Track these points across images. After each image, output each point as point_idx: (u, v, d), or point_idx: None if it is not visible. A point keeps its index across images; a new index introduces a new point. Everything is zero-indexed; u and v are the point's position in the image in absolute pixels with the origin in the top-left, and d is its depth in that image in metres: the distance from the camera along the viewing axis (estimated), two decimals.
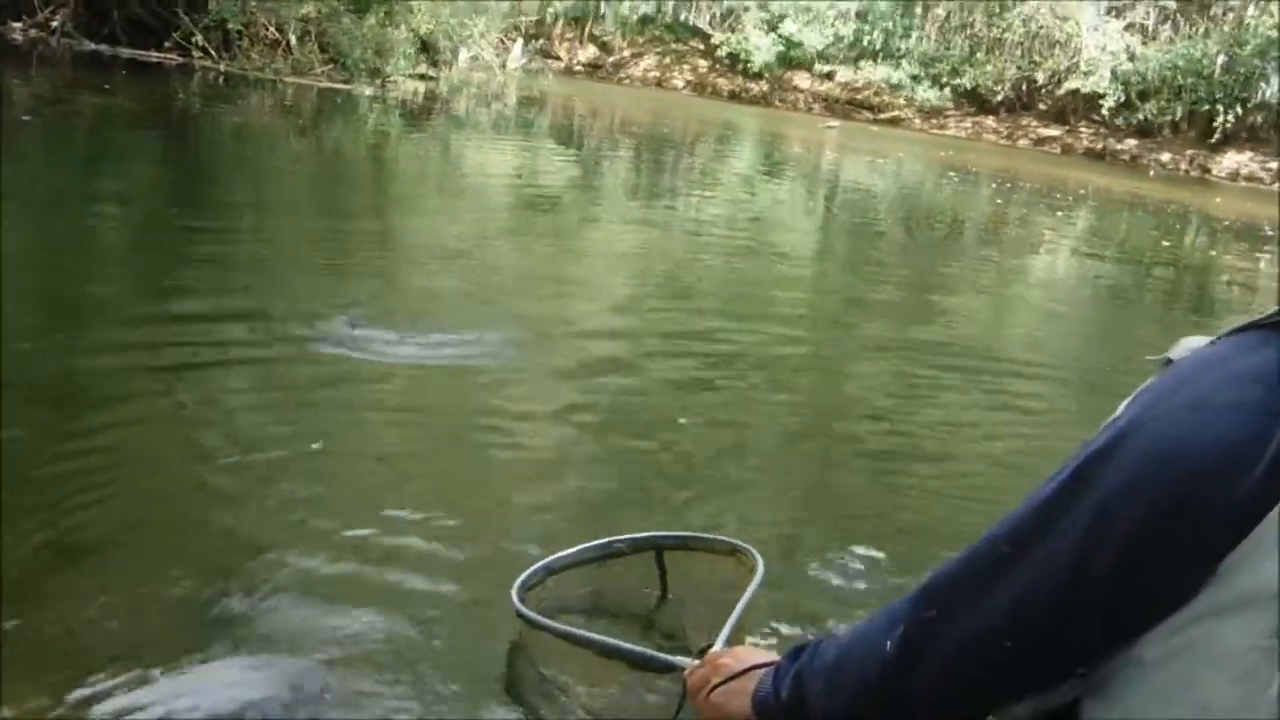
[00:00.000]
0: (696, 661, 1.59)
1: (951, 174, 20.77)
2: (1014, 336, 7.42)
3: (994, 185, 19.26)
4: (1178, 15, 35.68)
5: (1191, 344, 0.95)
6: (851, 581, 2.92)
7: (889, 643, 1.02)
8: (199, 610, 2.42)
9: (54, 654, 2.20)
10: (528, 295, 6.11)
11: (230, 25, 16.53)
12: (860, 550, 3.10)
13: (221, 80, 15.68)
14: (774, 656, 1.33)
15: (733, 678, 1.36)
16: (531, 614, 2.28)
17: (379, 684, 2.20)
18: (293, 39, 17.29)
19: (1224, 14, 35.40)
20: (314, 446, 3.41)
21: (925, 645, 1.00)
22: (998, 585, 0.94)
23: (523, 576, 2.40)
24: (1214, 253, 14.28)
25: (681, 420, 4.24)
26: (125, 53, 16.04)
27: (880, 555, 3.11)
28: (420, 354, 4.58)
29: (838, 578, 2.92)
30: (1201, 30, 34.91)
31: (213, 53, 16.55)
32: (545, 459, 3.68)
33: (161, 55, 16.26)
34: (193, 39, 16.37)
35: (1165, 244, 14.09)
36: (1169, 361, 0.94)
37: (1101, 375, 6.22)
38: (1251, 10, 34.41)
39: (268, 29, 17.06)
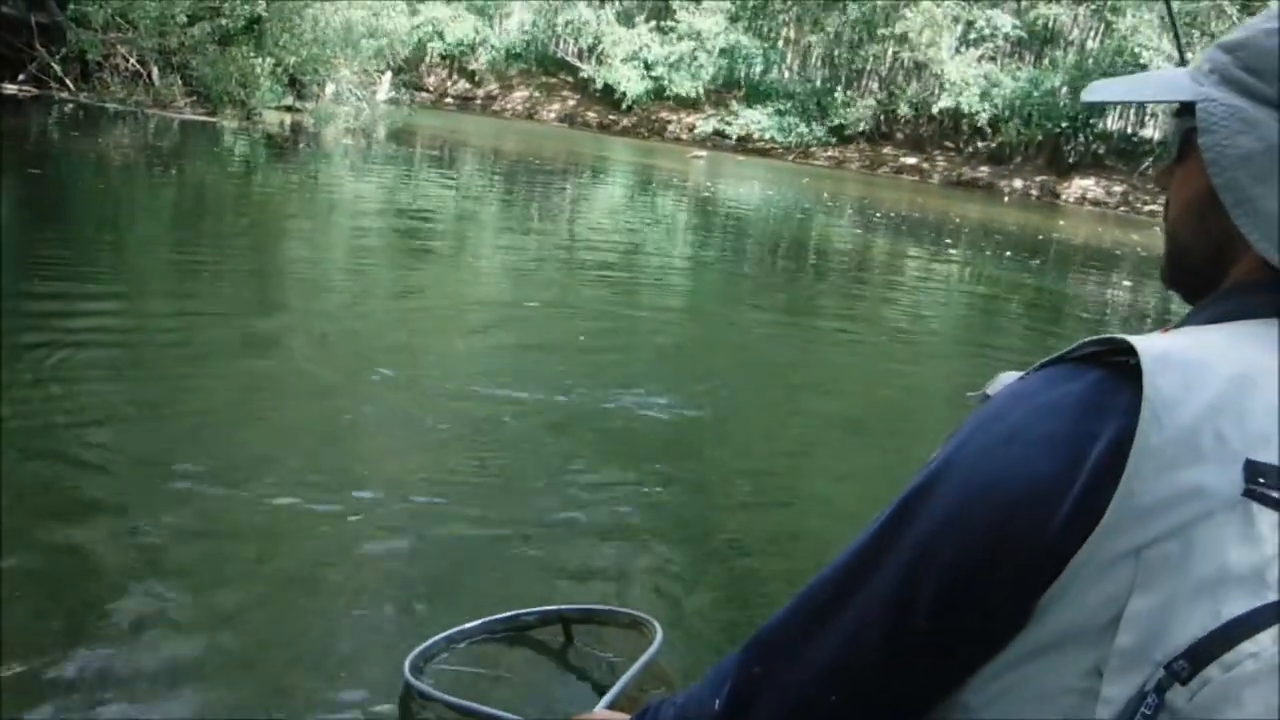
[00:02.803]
0: None
1: (817, 202, 21.29)
2: (886, 372, 7.67)
3: (857, 213, 19.83)
4: (1024, 46, 37.39)
5: (1007, 379, 0.94)
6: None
7: (717, 701, 1.01)
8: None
9: None
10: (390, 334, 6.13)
11: (89, 56, 16.24)
12: (754, 612, 3.09)
13: (81, 112, 15.36)
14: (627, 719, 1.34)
15: None
16: (419, 684, 2.33)
17: None
18: (154, 71, 17.05)
19: (1069, 45, 37.24)
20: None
21: (752, 701, 0.98)
22: (820, 635, 0.93)
23: (420, 647, 2.45)
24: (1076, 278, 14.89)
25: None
26: None
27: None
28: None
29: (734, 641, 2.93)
30: (1048, 61, 36.64)
31: (70, 85, 16.23)
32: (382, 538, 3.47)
33: (17, 87, 15.87)
34: (50, 70, 16.04)
35: (1028, 279, 14.54)
36: (986, 397, 0.94)
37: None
38: (1091, 42, 36.27)
39: (128, 60, 16.79)
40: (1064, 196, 33.34)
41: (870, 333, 8.47)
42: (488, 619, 2.62)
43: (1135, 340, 0.84)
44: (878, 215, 19.74)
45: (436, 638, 2.50)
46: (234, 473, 3.54)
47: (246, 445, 3.89)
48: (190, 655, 2.48)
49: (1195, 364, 0.82)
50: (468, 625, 2.58)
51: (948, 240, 17.33)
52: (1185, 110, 0.96)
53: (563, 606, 2.70)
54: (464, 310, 6.93)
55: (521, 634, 2.64)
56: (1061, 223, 24.13)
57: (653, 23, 40.05)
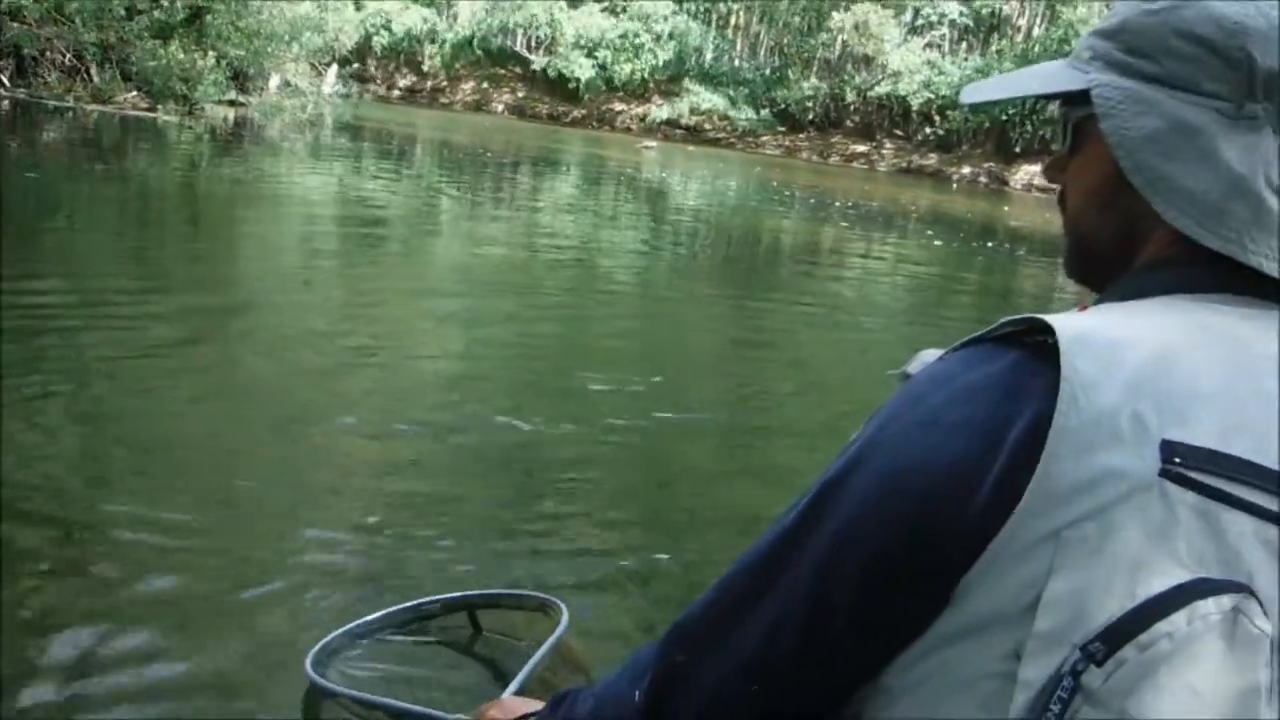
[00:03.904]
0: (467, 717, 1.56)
1: (769, 191, 21.36)
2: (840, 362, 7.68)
3: (810, 202, 19.91)
4: (970, 34, 37.68)
5: (928, 357, 0.94)
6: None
7: (638, 692, 1.00)
8: None
9: None
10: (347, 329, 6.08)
11: (25, 51, 15.90)
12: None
13: (17, 109, 15.04)
14: (540, 706, 1.29)
15: None
16: (322, 681, 2.27)
17: None
18: (93, 65, 16.73)
19: (1014, 32, 37.55)
20: None
21: (674, 691, 0.97)
22: (740, 624, 0.92)
23: (322, 642, 2.38)
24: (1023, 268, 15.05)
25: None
26: None
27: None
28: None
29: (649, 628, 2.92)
30: (995, 48, 36.93)
31: (5, 80, 15.89)
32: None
33: None
34: None
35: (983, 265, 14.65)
36: (907, 376, 0.94)
37: None
38: (1038, 29, 36.60)
39: (65, 55, 16.46)
40: (1011, 183, 33.64)
41: (824, 312, 8.51)
42: (389, 610, 2.56)
43: (1053, 320, 0.83)
44: (833, 203, 19.80)
45: (337, 632, 2.44)
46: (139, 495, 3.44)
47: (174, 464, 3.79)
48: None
49: (1114, 344, 0.82)
50: (369, 617, 2.53)
51: (897, 227, 17.43)
52: (1072, 100, 0.97)
53: (468, 593, 2.65)
54: (414, 312, 6.83)
55: (426, 623, 2.58)
56: (1007, 209, 24.36)
57: (603, 3, 39.94)
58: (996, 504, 0.79)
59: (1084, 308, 0.92)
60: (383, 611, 2.55)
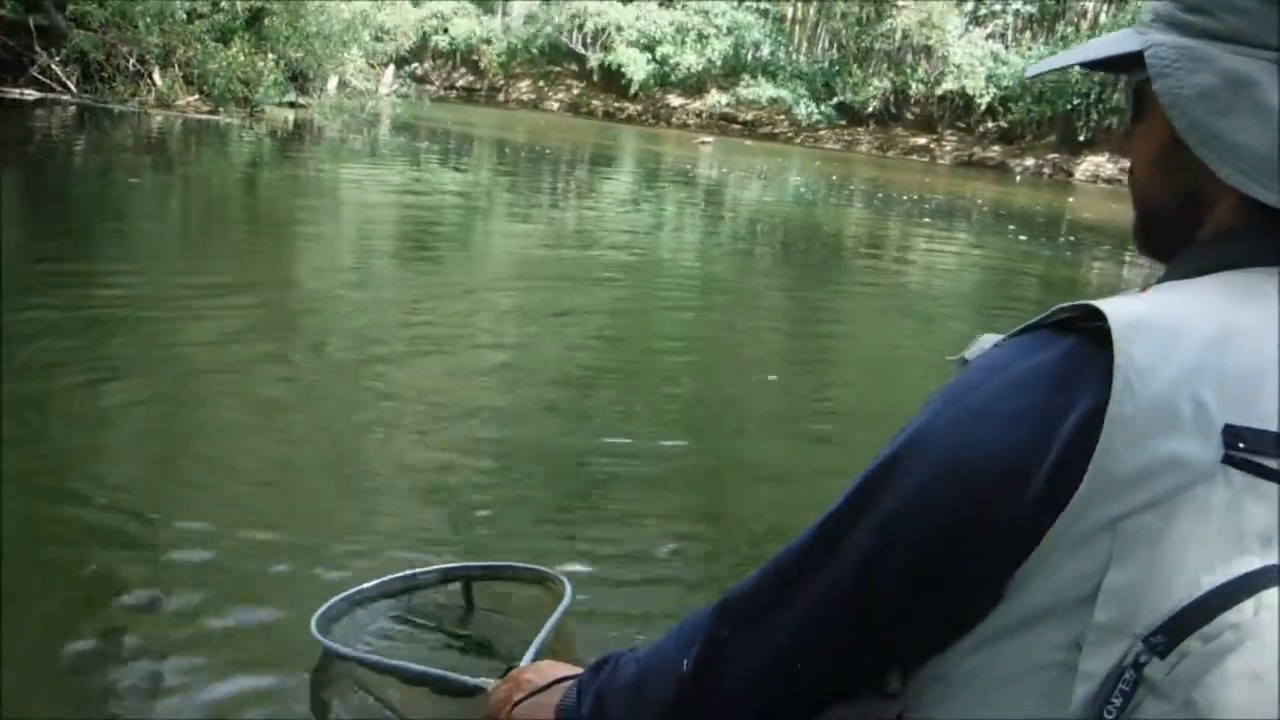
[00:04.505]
0: (499, 682, 1.53)
1: (829, 186, 21.18)
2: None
3: (875, 197, 19.71)
4: (1035, 22, 37.06)
5: (986, 342, 0.93)
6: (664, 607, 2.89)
7: (686, 661, 1.00)
8: None
9: None
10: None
11: (90, 57, 16.13)
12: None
13: (84, 114, 15.27)
14: (577, 670, 1.30)
15: (536, 692, 1.32)
16: (334, 645, 2.26)
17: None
18: (155, 69, 16.94)
19: (1079, 19, 36.87)
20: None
21: (722, 664, 0.98)
22: (787, 604, 0.93)
23: (323, 608, 2.38)
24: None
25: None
26: None
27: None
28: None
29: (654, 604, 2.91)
30: (1059, 36, 36.29)
31: (72, 86, 16.14)
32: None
33: (19, 90, 15.79)
34: (50, 72, 15.94)
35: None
36: (965, 361, 0.93)
37: None
38: (1105, 16, 35.91)
39: (128, 60, 16.68)
40: (1076, 174, 33.05)
41: (888, 300, 8.38)
42: (385, 579, 2.56)
43: (1105, 305, 0.82)
44: (896, 197, 19.57)
45: (336, 599, 2.44)
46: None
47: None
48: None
49: (1171, 327, 0.81)
50: (366, 585, 2.52)
51: (961, 220, 17.18)
52: (1132, 65, 0.95)
53: (467, 564, 2.65)
54: (475, 305, 6.80)
55: (421, 592, 2.58)
56: (1072, 200, 23.93)
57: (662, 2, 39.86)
58: (1050, 496, 0.79)
59: (1145, 289, 0.91)
60: (378, 580, 2.55)
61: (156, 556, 2.84)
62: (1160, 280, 0.93)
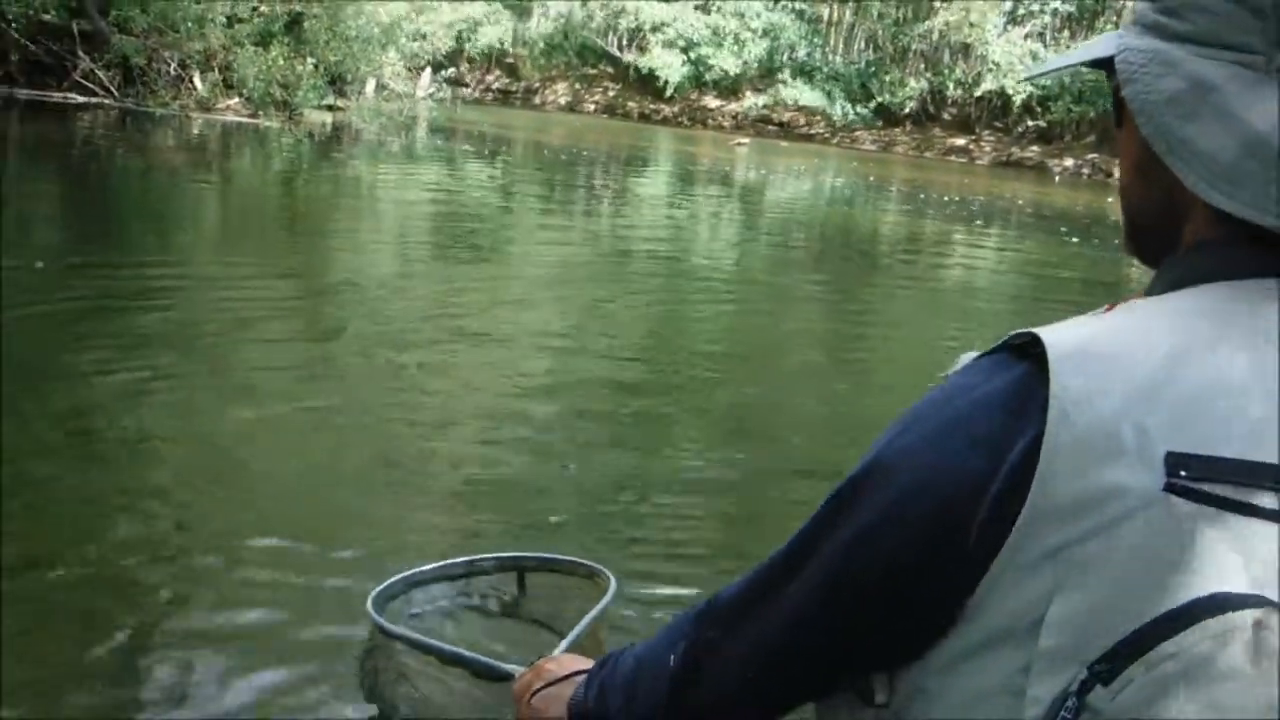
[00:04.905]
0: (526, 670, 1.57)
1: (866, 187, 21.08)
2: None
3: (917, 198, 19.58)
4: (1074, 21, 36.75)
5: (969, 360, 0.93)
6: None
7: (673, 657, 1.05)
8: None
9: None
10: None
11: (132, 61, 16.29)
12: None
13: (126, 117, 15.42)
14: (590, 664, 1.32)
15: (554, 683, 1.36)
16: (384, 622, 2.34)
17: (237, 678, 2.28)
18: (196, 74, 17.09)
19: (1118, 16, 36.53)
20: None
21: (703, 663, 1.02)
22: (763, 612, 0.96)
23: (381, 586, 2.45)
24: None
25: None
26: (23, 93, 15.74)
27: None
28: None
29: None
30: (1099, 34, 35.88)
31: (114, 90, 16.30)
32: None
33: (63, 94, 15.97)
34: (93, 76, 16.11)
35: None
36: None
37: None
38: None
39: (169, 64, 16.84)
40: (1116, 175, 32.66)
41: (929, 302, 8.31)
42: (444, 563, 2.65)
43: (1049, 332, 0.83)
44: (936, 198, 19.45)
45: (395, 579, 2.52)
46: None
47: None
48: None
49: (1114, 353, 0.81)
50: (425, 567, 2.61)
51: (1000, 220, 17.06)
52: (1112, 69, 0.93)
53: (521, 554, 2.72)
54: (514, 306, 6.80)
55: (478, 579, 2.66)
56: (1111, 200, 23.68)
57: (696, 3, 39.75)
58: (996, 521, 0.79)
59: (1111, 307, 0.89)
60: (439, 563, 2.64)
61: (192, 555, 2.85)
62: (1148, 290, 0.92)
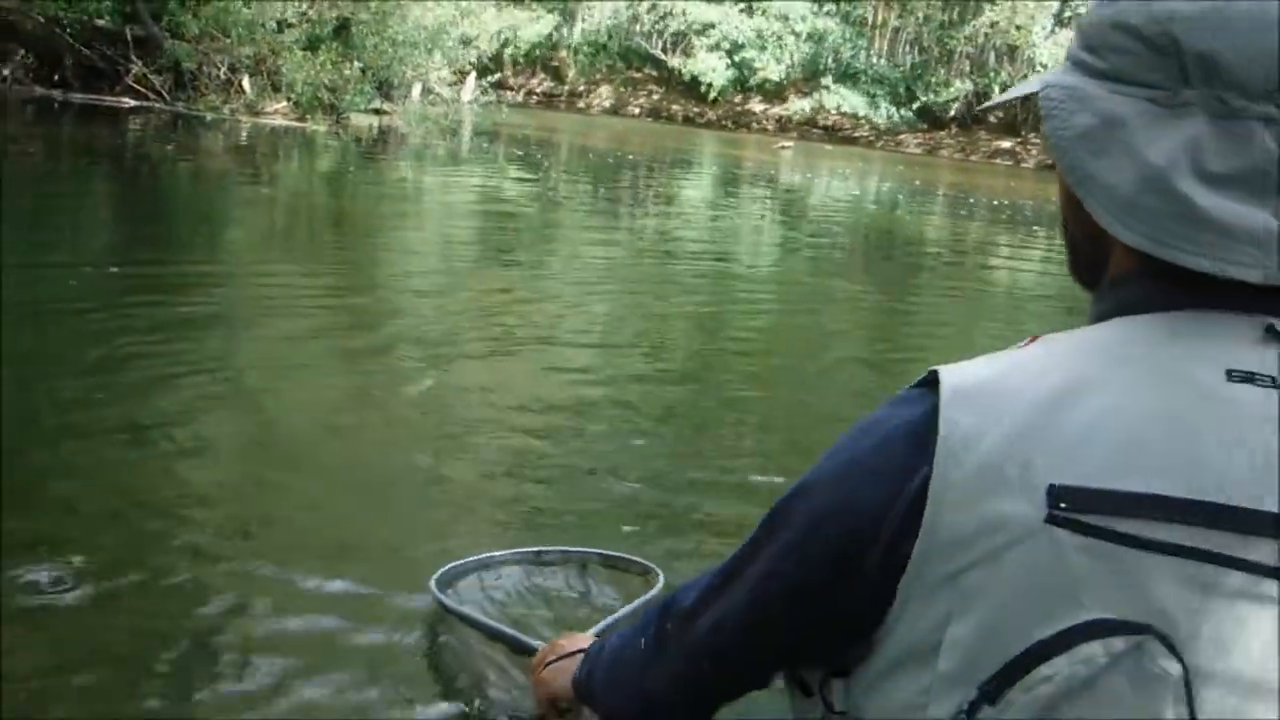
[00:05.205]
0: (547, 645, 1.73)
1: (912, 191, 20.95)
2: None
3: (969, 200, 19.44)
4: None
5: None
6: None
7: (643, 642, 1.17)
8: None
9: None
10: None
11: (184, 65, 16.49)
12: None
13: (177, 121, 15.61)
14: None
15: (564, 657, 1.48)
16: (439, 594, 2.48)
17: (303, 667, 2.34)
18: (246, 78, 17.26)
19: None
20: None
21: (661, 650, 1.13)
22: (705, 612, 1.06)
23: (449, 566, 2.60)
24: None
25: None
26: (77, 98, 15.98)
27: None
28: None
29: None
30: None
31: (166, 95, 16.51)
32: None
33: (115, 99, 16.20)
34: (146, 81, 16.33)
35: None
36: None
37: None
38: None
39: (220, 69, 17.02)
40: None
41: (975, 308, 8.23)
42: (513, 550, 2.77)
43: (946, 371, 0.87)
44: (984, 201, 19.30)
45: (464, 560, 2.65)
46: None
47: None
48: None
49: (1005, 390, 0.84)
50: (495, 553, 2.74)
51: (1048, 222, 16.89)
52: None
53: (584, 549, 2.83)
54: (559, 307, 6.81)
55: (543, 568, 2.77)
56: None
57: (741, 6, 39.66)
58: (895, 550, 0.85)
59: (1033, 340, 0.92)
60: (508, 551, 2.77)
61: (250, 558, 2.87)
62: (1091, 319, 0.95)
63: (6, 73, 16.04)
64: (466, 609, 2.46)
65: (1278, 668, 0.79)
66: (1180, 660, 0.77)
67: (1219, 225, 0.81)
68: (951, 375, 0.87)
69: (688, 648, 1.09)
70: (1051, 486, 0.79)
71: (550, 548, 2.82)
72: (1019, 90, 1.03)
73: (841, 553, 0.89)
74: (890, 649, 0.88)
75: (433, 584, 2.51)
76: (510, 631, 2.31)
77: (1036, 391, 0.83)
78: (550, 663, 1.53)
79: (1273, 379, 0.81)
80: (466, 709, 2.29)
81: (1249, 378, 0.81)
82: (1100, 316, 0.91)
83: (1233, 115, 0.82)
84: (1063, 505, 0.79)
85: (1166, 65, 0.85)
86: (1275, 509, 0.78)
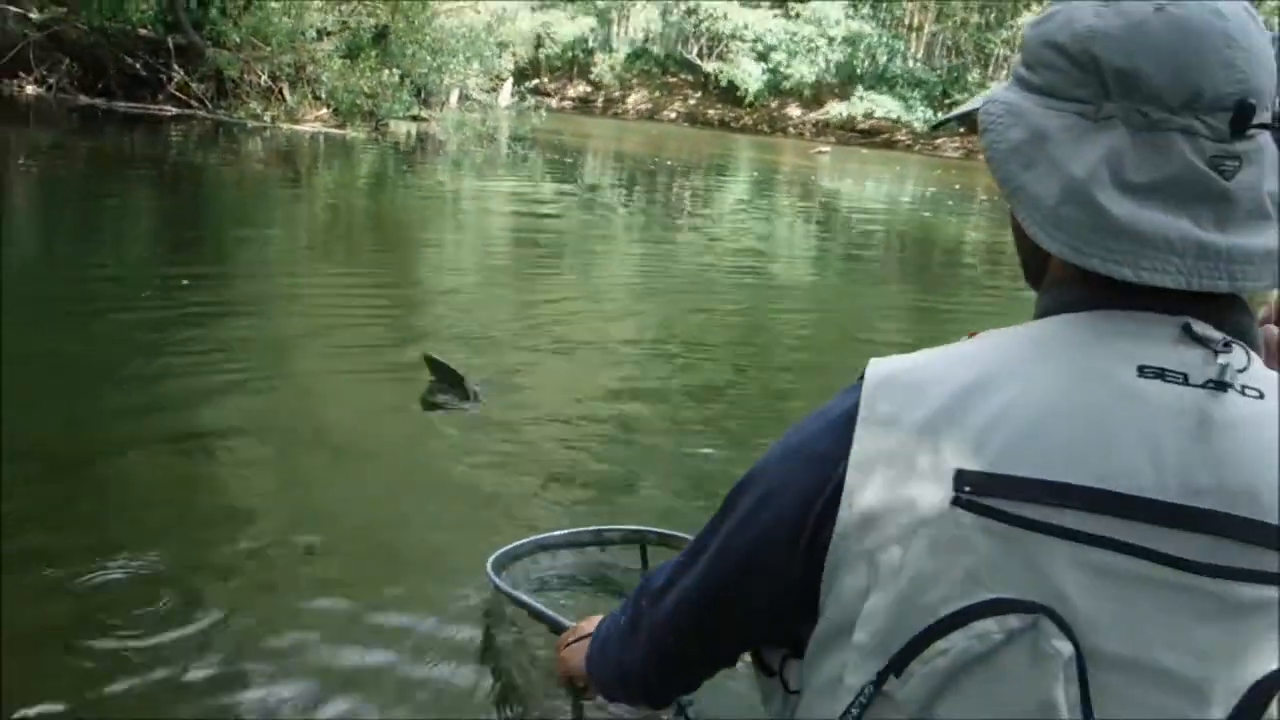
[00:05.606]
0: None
1: (951, 195, 20.83)
2: None
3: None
4: None
5: None
6: None
7: (624, 620, 1.24)
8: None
9: None
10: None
11: (226, 73, 16.63)
12: None
13: (219, 129, 15.75)
14: None
15: (584, 637, 1.53)
16: (492, 574, 2.53)
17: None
18: (286, 86, 17.39)
19: None
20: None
21: (636, 626, 1.20)
22: (670, 591, 1.12)
23: (508, 546, 2.63)
24: None
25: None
26: (121, 106, 16.16)
27: None
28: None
29: None
30: None
31: (207, 103, 16.66)
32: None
33: (158, 107, 16.36)
34: (188, 89, 16.48)
35: None
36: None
37: None
38: None
39: (260, 77, 17.16)
40: None
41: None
42: (574, 530, 2.81)
43: (874, 363, 0.94)
44: None
45: (523, 541, 2.68)
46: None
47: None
48: None
49: (924, 380, 0.90)
50: (556, 533, 2.78)
51: None
52: None
53: (643, 528, 2.83)
54: (597, 313, 6.81)
55: (603, 549, 2.81)
56: None
57: (776, 11, 39.56)
58: (822, 530, 0.91)
59: (973, 335, 0.96)
60: (568, 530, 2.81)
61: (297, 556, 2.90)
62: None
63: (52, 81, 16.24)
64: (521, 591, 2.50)
65: (1180, 655, 0.81)
66: (1074, 641, 0.81)
67: (1135, 234, 0.86)
68: (879, 366, 0.93)
69: (655, 624, 1.15)
70: (958, 471, 0.84)
71: (610, 527, 2.84)
72: (966, 106, 1.05)
73: (780, 532, 0.95)
74: (823, 625, 0.93)
75: (489, 565, 2.54)
76: (550, 613, 2.36)
77: (955, 382, 0.88)
78: (571, 643, 1.60)
79: (1184, 376, 0.85)
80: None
81: (1160, 374, 0.85)
82: (1038, 316, 0.96)
83: (1152, 127, 0.86)
84: (967, 489, 0.84)
85: (1089, 81, 0.89)
86: (1174, 499, 0.82)
